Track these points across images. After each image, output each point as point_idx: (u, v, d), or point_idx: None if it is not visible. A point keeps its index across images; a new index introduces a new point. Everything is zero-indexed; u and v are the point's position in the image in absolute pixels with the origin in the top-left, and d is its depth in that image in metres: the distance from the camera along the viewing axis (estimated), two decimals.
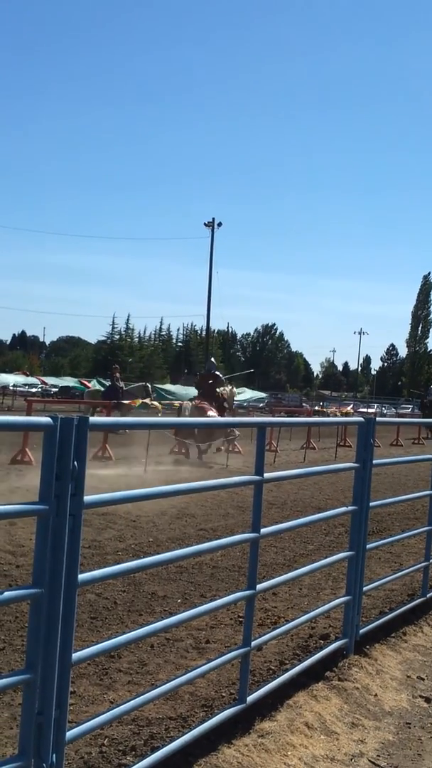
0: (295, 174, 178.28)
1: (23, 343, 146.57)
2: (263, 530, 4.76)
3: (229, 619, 6.87)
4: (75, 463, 3.08)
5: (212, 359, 27.00)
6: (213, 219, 72.93)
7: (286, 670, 5.32)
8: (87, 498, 3.20)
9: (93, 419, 3.26)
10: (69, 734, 3.26)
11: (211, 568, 8.78)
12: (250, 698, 4.69)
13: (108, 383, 30.31)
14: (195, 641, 6.26)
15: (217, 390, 22.73)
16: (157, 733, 4.47)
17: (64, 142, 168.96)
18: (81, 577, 3.21)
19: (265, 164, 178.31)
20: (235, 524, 11.41)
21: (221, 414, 21.25)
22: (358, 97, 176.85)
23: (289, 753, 4.57)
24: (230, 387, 24.21)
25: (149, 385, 31.32)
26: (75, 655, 3.24)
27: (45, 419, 3.04)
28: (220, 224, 72.98)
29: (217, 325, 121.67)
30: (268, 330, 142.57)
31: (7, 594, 2.97)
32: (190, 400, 23.94)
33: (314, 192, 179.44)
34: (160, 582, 7.99)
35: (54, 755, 3.11)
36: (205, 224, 73.34)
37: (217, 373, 23.76)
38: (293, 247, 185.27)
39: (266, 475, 4.77)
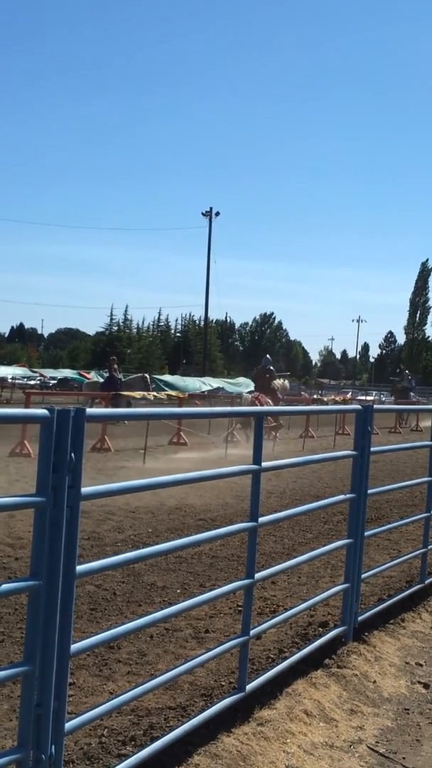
0: (293, 162, 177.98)
1: (21, 335, 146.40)
2: (261, 519, 4.78)
3: (228, 609, 6.89)
4: (72, 454, 3.08)
5: (268, 356, 28.86)
6: (211, 209, 72.79)
7: (285, 659, 5.34)
8: (84, 489, 3.20)
9: (90, 410, 3.26)
10: (68, 725, 3.27)
11: (210, 557, 8.81)
12: (249, 687, 4.71)
13: (106, 375, 30.31)
14: (194, 631, 6.28)
15: (273, 383, 26.00)
16: (157, 723, 4.49)
17: (61, 133, 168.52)
18: (79, 568, 3.22)
19: (263, 153, 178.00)
20: (233, 513, 11.43)
21: (276, 404, 23.70)
22: (357, 85, 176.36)
23: (288, 740, 4.59)
24: (283, 380, 27.63)
25: (147, 377, 31.31)
26: (74, 647, 3.25)
27: (41, 411, 3.04)
28: (217, 214, 72.87)
29: (215, 315, 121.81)
30: (267, 319, 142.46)
31: (6, 586, 2.98)
32: (249, 392, 26.84)
33: (312, 180, 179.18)
34: (160, 572, 8.01)
35: (53, 746, 3.13)
36: (202, 214, 73.21)
37: (271, 368, 26.95)
38: (291, 236, 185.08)
39: (264, 464, 4.78)
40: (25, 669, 3.05)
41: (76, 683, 5.01)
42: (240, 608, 5.85)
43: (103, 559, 3.71)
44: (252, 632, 4.78)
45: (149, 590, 7.39)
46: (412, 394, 40.49)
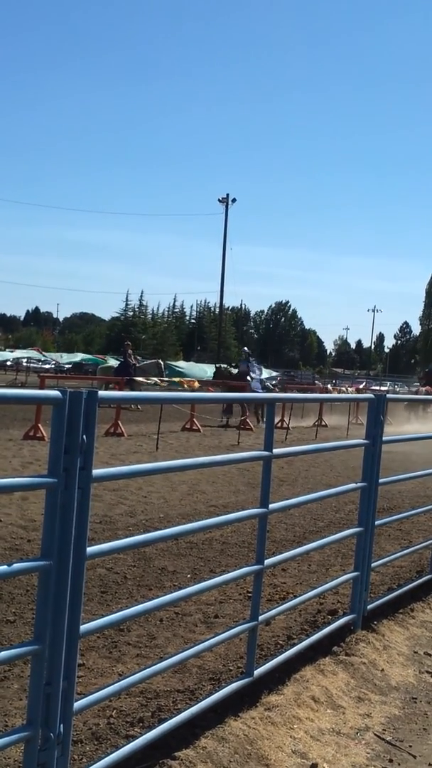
0: (311, 151, 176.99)
1: (37, 319, 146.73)
2: (272, 506, 4.78)
3: (237, 594, 6.92)
4: (84, 436, 3.09)
5: (245, 348, 30.55)
6: (227, 195, 72.58)
7: (294, 645, 5.36)
8: (96, 472, 3.22)
9: (102, 393, 3.27)
10: (77, 705, 3.30)
11: (220, 544, 8.83)
12: (258, 672, 4.73)
13: (121, 360, 30.34)
14: (204, 616, 6.31)
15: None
16: (165, 706, 4.52)
17: (79, 117, 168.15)
18: (89, 549, 3.24)
19: (280, 141, 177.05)
20: (245, 500, 11.46)
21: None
22: (377, 74, 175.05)
23: (295, 726, 4.61)
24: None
25: (161, 363, 31.34)
26: (83, 627, 3.27)
27: (54, 392, 3.06)
28: (234, 200, 72.67)
29: (230, 302, 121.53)
30: (282, 307, 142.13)
31: (17, 566, 3.00)
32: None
33: (330, 169, 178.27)
34: (170, 557, 8.05)
35: (62, 725, 3.15)
36: (219, 200, 73.00)
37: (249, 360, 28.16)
38: (308, 224, 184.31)
39: (275, 450, 4.78)
40: (35, 648, 3.07)
41: (85, 664, 5.05)
42: (249, 594, 5.87)
43: (113, 541, 3.72)
44: (261, 618, 4.80)
45: (160, 575, 7.43)
46: None
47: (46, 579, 3.07)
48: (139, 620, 5.96)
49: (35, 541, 7.90)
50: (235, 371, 29.29)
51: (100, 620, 3.52)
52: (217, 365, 35.58)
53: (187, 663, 5.13)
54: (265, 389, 27.91)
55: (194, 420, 22.37)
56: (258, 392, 24.95)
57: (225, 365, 35.75)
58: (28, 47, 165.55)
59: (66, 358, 54.75)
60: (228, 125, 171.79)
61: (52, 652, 3.10)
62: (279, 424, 21.67)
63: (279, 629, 6.05)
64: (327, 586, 6.00)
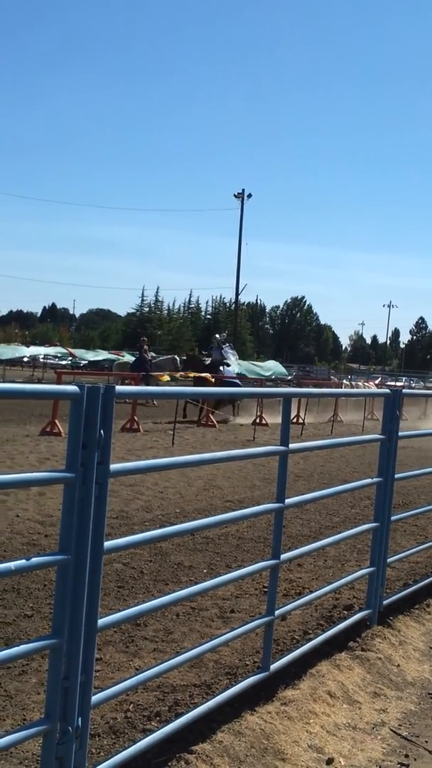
0: (327, 146, 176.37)
1: (53, 315, 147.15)
2: (288, 500, 4.80)
3: (254, 589, 6.94)
4: (101, 431, 3.11)
5: (217, 335, 29.42)
6: (243, 190, 72.43)
7: (310, 640, 5.38)
8: (113, 466, 3.24)
9: (119, 388, 3.29)
10: (94, 699, 3.32)
11: (236, 539, 8.85)
12: (274, 666, 4.75)
13: (137, 355, 30.39)
14: (220, 610, 6.33)
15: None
16: (182, 700, 4.55)
17: (94, 115, 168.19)
18: (107, 544, 3.26)
19: (296, 136, 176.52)
20: (261, 496, 11.47)
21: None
22: (389, 71, 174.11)
23: (311, 721, 4.63)
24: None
25: (177, 358, 31.36)
26: (101, 621, 3.29)
27: (72, 388, 3.08)
28: (249, 195, 72.49)
29: (246, 297, 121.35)
30: (297, 302, 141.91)
31: (35, 560, 3.03)
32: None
33: (346, 164, 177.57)
34: (186, 552, 8.07)
35: (80, 719, 3.18)
36: (234, 195, 72.87)
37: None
38: (324, 220, 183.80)
39: (291, 445, 4.79)
40: (53, 642, 3.10)
41: (103, 659, 5.08)
42: (265, 589, 5.89)
43: (130, 536, 3.75)
44: (277, 612, 4.82)
45: (176, 569, 7.45)
46: None
47: (64, 573, 3.10)
48: (155, 615, 5.99)
49: (53, 536, 7.95)
50: (208, 360, 26.71)
51: (118, 614, 3.54)
52: (189, 352, 33.40)
53: (204, 657, 5.16)
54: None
55: (210, 416, 22.39)
56: (235, 383, 24.23)
57: (195, 352, 31.98)
58: (43, 43, 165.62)
59: (92, 356, 54.88)
60: (244, 121, 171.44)
61: (70, 646, 3.12)
62: (294, 420, 21.66)
63: (295, 624, 6.06)
64: (343, 581, 6.02)
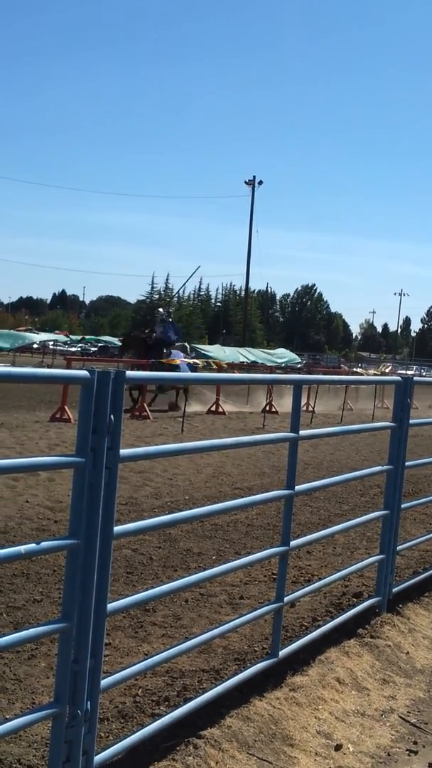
0: (337, 133, 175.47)
1: (63, 302, 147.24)
2: (298, 487, 4.78)
3: (263, 576, 6.94)
4: (111, 416, 3.10)
5: (160, 309, 26.43)
6: (254, 177, 72.22)
7: (319, 627, 5.37)
8: (123, 451, 3.23)
9: (130, 373, 3.28)
10: (103, 683, 3.32)
11: (245, 526, 8.85)
12: (282, 653, 4.75)
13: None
14: (229, 597, 6.33)
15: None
16: (190, 685, 4.55)
17: (101, 100, 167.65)
18: (116, 529, 3.26)
19: (307, 122, 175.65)
20: (270, 483, 11.46)
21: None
22: (404, 59, 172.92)
23: (320, 707, 4.63)
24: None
25: (187, 345, 31.32)
26: (110, 606, 3.29)
27: (82, 372, 3.07)
28: (260, 182, 72.28)
29: (256, 285, 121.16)
30: (308, 290, 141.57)
31: (45, 544, 3.03)
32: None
33: (357, 151, 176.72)
34: (195, 539, 8.08)
35: (88, 703, 3.18)
36: (245, 182, 72.66)
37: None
38: (335, 207, 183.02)
39: (302, 432, 4.78)
40: (62, 626, 3.10)
41: (112, 644, 5.08)
42: (274, 576, 5.89)
43: (139, 521, 3.75)
44: (286, 599, 4.81)
45: (185, 556, 7.46)
46: None
47: (74, 557, 3.09)
48: (164, 601, 6.00)
49: (62, 522, 7.96)
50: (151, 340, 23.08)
51: (127, 599, 3.55)
52: (130, 332, 28.42)
53: (213, 643, 5.17)
54: (190, 367, 22.24)
55: (219, 403, 22.39)
56: (183, 368, 21.25)
57: (136, 332, 27.30)
58: (49, 29, 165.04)
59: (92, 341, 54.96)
60: (254, 108, 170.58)
61: (79, 630, 3.12)
62: (305, 408, 21.63)
63: (304, 611, 6.06)
64: (352, 568, 6.01)
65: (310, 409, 23.06)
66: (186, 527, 8.39)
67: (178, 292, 28.19)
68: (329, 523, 9.05)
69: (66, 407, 16.63)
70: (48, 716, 3.09)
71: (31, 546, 2.92)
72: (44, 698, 4.25)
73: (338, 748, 4.30)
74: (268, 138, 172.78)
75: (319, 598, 6.41)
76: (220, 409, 22.23)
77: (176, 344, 24.15)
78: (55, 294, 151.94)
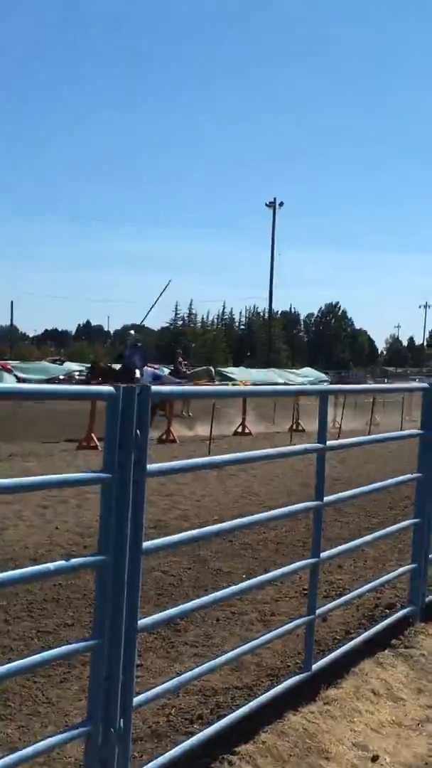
0: (355, 149, 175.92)
1: (88, 332, 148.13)
2: (327, 498, 4.79)
3: (293, 592, 6.91)
4: (138, 431, 3.13)
5: (132, 331, 25.90)
6: (274, 199, 72.51)
7: (351, 639, 5.34)
8: (150, 466, 3.25)
9: (155, 388, 3.30)
10: (136, 700, 3.32)
11: (275, 544, 8.83)
12: (316, 666, 4.73)
13: (171, 368, 30.44)
14: (260, 614, 6.31)
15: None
16: (224, 702, 4.54)
17: (123, 129, 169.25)
18: (145, 544, 3.27)
19: (324, 142, 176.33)
20: (299, 500, 11.36)
21: None
22: (417, 75, 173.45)
23: (355, 719, 4.59)
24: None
25: (212, 369, 31.40)
26: (141, 622, 3.30)
27: (107, 388, 3.11)
28: (281, 204, 72.58)
29: (280, 306, 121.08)
30: (332, 309, 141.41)
31: (74, 561, 3.06)
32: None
33: (375, 167, 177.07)
34: (225, 558, 8.06)
35: (122, 720, 3.18)
36: (266, 204, 72.98)
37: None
38: (354, 223, 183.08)
39: (329, 442, 4.79)
40: (93, 642, 3.11)
41: (144, 664, 5.08)
42: (305, 592, 5.86)
43: (168, 536, 3.78)
44: (318, 612, 4.80)
45: (215, 576, 7.45)
46: None
47: (104, 574, 3.11)
48: (195, 620, 6.00)
49: (92, 547, 7.97)
50: (117, 366, 22.30)
51: (159, 615, 3.57)
52: (93, 360, 27.26)
53: (245, 660, 5.16)
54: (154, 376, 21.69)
55: (246, 424, 22.38)
56: (146, 376, 20.93)
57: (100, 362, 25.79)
58: (64, 58, 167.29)
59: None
60: (272, 129, 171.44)
61: (111, 647, 3.13)
62: (331, 425, 21.57)
63: (336, 625, 6.03)
64: (384, 578, 5.99)
65: (337, 426, 22.95)
66: (215, 547, 8.39)
67: (151, 308, 26.63)
68: (359, 537, 9.02)
69: (93, 435, 16.69)
70: (81, 735, 3.10)
71: (61, 563, 2.95)
72: (76, 720, 4.24)
73: (375, 759, 4.26)
74: (284, 159, 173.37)
75: (352, 611, 6.38)
76: (247, 430, 22.20)
77: (184, 373, 24.65)
78: (79, 325, 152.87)
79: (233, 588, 4.29)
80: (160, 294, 26.84)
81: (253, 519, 4.57)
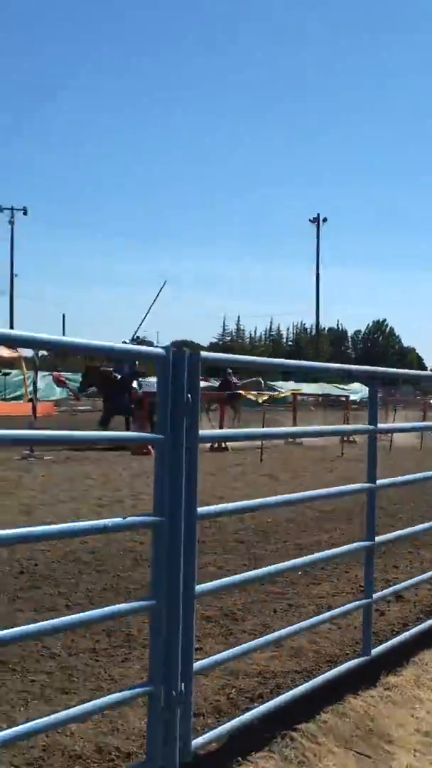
0: (403, 164, 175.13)
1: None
2: (379, 481, 4.81)
3: (350, 588, 6.87)
4: (189, 396, 3.14)
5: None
6: (318, 215, 72.57)
7: (410, 629, 5.30)
8: (202, 433, 3.27)
9: (204, 354, 3.30)
10: (197, 665, 3.32)
11: (329, 545, 8.75)
12: (375, 651, 4.70)
13: (221, 380, 30.51)
14: (317, 607, 6.27)
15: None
16: (284, 683, 4.52)
17: (167, 147, 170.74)
18: (200, 510, 3.29)
19: (370, 157, 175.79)
20: (353, 506, 11.35)
21: None
22: None
23: (416, 706, 4.55)
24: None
25: (262, 380, 31.43)
26: (198, 587, 3.31)
27: (158, 350, 3.11)
28: (325, 220, 72.57)
29: (327, 322, 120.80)
30: (379, 326, 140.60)
31: (130, 519, 3.08)
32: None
33: (425, 181, 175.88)
34: (280, 558, 8.02)
35: (182, 684, 3.19)
36: (310, 221, 73.06)
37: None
38: (403, 240, 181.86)
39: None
40: (151, 603, 3.12)
41: (203, 649, 5.08)
42: (362, 588, 5.83)
43: (223, 504, 3.80)
44: (375, 596, 4.77)
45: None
46: None
47: (160, 535, 3.12)
48: (252, 610, 6.00)
49: (146, 544, 8.02)
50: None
51: (216, 582, 3.58)
52: (88, 366, 25.07)
53: (303, 647, 5.15)
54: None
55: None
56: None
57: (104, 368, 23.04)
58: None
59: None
60: (314, 144, 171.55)
61: (169, 609, 3.14)
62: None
63: (394, 618, 5.99)
64: None
65: (388, 437, 22.77)
66: (270, 547, 8.39)
67: (145, 315, 26.01)
68: (415, 540, 8.96)
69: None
70: (143, 693, 3.11)
71: (117, 520, 2.98)
72: (137, 699, 4.27)
73: None
74: (328, 173, 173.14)
75: (409, 607, 6.32)
76: (297, 440, 22.14)
77: (235, 384, 24.90)
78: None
79: (285, 564, 4.32)
80: (154, 300, 25.41)
81: (305, 495, 4.60)
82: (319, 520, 10.24)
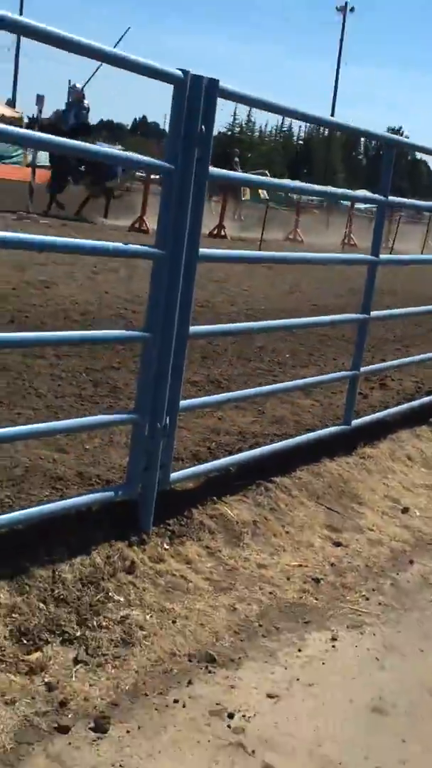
0: None
1: (144, 128, 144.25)
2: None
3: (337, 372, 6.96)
4: (203, 126, 2.98)
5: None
6: (345, 3, 68.07)
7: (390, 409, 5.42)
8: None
9: (223, 84, 3.08)
10: (182, 404, 3.38)
11: (320, 335, 8.81)
12: (355, 422, 4.80)
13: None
14: (305, 393, 6.36)
15: None
16: (263, 442, 4.63)
17: None
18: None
19: None
20: (346, 304, 11.29)
21: None
22: None
23: (388, 476, 4.72)
24: None
25: (268, 173, 30.59)
26: (192, 329, 3.30)
27: (175, 70, 2.91)
28: (352, 9, 68.18)
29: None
30: (395, 133, 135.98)
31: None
32: None
33: None
34: (271, 340, 8.06)
35: (168, 418, 3.24)
36: (336, 9, 68.61)
37: None
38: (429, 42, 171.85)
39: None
40: (146, 335, 3.11)
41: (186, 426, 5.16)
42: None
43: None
44: (362, 369, 4.82)
45: (259, 351, 7.48)
46: None
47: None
48: (237, 382, 6.06)
49: (140, 312, 8.02)
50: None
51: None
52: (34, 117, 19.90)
53: (286, 416, 5.25)
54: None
55: (298, 231, 22.05)
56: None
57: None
58: None
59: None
60: None
61: (161, 347, 3.13)
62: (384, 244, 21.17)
63: (376, 401, 6.09)
64: (422, 356, 5.98)
65: (390, 244, 22.53)
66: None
67: (89, 80, 20.14)
68: (404, 339, 9.04)
69: (145, 218, 16.46)
70: (129, 421, 3.18)
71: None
72: (122, 473, 4.37)
73: (405, 511, 4.40)
74: None
75: (392, 394, 6.42)
76: (299, 238, 21.88)
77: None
78: (136, 119, 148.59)
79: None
80: (116, 44, 20.12)
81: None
82: (311, 313, 10.24)
